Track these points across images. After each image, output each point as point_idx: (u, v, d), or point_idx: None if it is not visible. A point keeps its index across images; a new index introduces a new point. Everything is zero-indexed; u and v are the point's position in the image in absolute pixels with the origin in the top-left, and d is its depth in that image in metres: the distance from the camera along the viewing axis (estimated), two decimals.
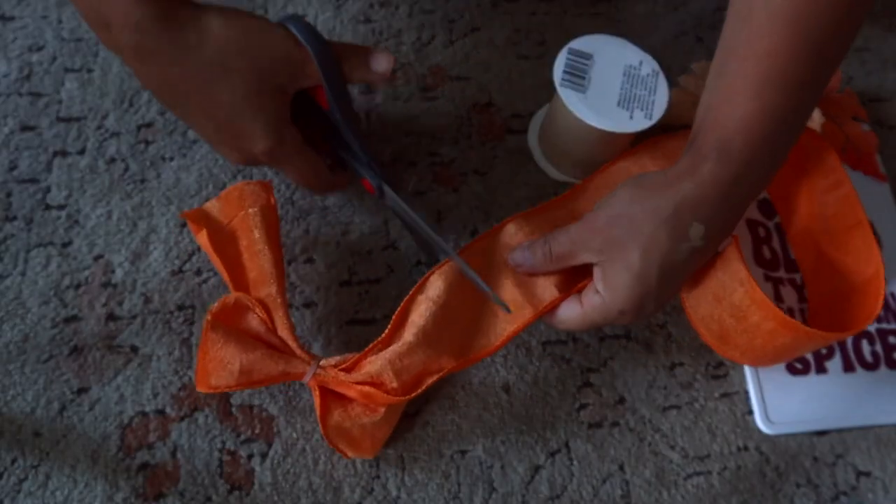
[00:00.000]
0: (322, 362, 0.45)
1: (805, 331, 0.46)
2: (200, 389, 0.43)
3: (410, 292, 0.46)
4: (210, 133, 0.46)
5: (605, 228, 0.45)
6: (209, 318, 0.44)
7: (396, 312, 0.45)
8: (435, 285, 0.46)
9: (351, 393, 0.44)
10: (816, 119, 0.59)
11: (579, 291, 0.47)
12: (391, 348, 0.44)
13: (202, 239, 0.47)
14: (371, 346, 0.45)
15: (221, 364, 0.43)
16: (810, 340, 0.47)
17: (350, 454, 0.46)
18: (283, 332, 0.45)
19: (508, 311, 0.47)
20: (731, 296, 0.47)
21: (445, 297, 0.45)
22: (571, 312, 0.47)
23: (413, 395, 0.44)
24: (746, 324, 0.47)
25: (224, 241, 0.47)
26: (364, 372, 0.44)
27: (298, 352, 0.44)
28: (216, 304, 0.45)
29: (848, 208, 0.53)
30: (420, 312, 0.45)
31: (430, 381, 0.45)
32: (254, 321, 0.45)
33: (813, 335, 0.46)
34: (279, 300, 0.45)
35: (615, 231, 0.44)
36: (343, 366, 0.45)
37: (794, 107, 0.43)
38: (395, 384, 0.44)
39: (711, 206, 0.43)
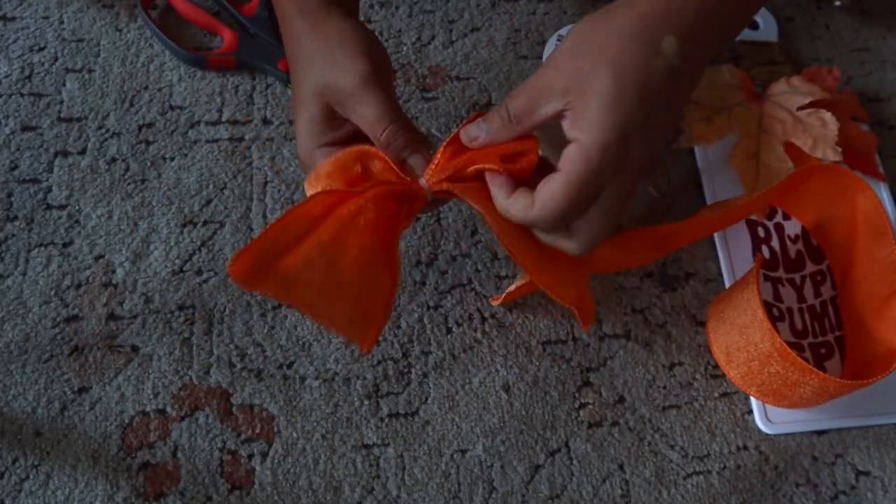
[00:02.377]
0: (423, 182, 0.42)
1: (824, 378, 0.47)
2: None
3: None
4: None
5: (566, 63, 0.40)
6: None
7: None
8: None
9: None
10: (831, 125, 0.59)
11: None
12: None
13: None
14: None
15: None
16: (828, 387, 0.48)
17: None
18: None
19: None
20: (753, 339, 0.49)
21: None
22: (552, 185, 0.40)
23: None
24: (770, 368, 0.49)
25: None
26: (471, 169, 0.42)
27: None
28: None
29: (890, 274, 0.53)
30: None
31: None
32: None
33: (830, 381, 0.47)
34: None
35: (578, 62, 0.39)
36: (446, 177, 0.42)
37: None
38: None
39: (683, 14, 0.39)
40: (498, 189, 0.41)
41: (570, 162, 0.39)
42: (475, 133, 0.42)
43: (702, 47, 0.40)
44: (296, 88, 0.44)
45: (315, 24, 0.44)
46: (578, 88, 0.39)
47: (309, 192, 0.42)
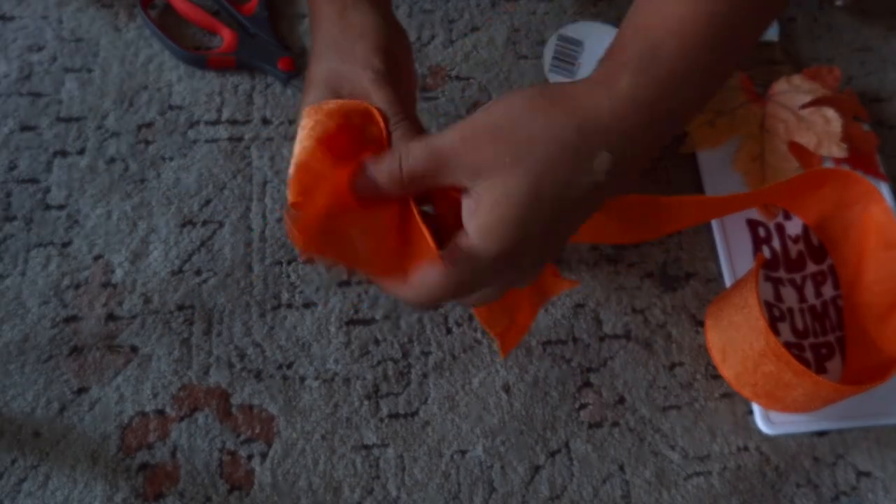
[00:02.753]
0: None
1: (818, 380, 0.47)
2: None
3: None
4: None
5: (484, 142, 0.35)
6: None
7: None
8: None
9: None
10: (834, 121, 0.58)
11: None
12: None
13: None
14: None
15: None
16: (821, 391, 0.48)
17: None
18: None
19: None
20: (748, 338, 0.49)
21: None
22: (429, 275, 0.36)
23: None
24: (763, 370, 0.49)
25: None
26: None
27: None
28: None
29: (894, 284, 0.53)
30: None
31: None
32: None
33: (824, 384, 0.47)
34: None
35: (499, 147, 0.34)
36: None
37: (735, 16, 0.37)
38: None
39: (625, 132, 0.35)
40: None
41: (454, 260, 0.35)
42: (360, 184, 0.37)
43: (631, 167, 0.37)
44: (310, 69, 0.44)
45: (341, 12, 0.43)
46: (490, 178, 0.34)
47: (305, 119, 0.41)
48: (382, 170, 0.37)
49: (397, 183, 0.36)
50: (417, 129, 0.42)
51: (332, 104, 0.42)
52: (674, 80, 0.36)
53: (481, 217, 0.35)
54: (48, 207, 0.53)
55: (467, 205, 0.36)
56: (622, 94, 0.35)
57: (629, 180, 0.38)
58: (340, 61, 0.42)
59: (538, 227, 0.35)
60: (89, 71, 0.58)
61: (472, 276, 0.36)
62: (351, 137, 0.41)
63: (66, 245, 0.52)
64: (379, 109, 0.41)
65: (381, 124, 0.41)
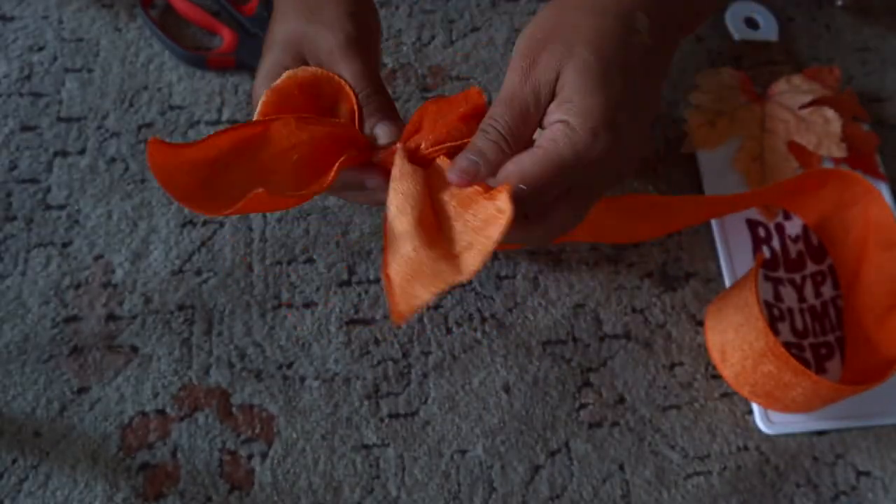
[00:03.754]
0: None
1: (817, 380, 0.47)
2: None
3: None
4: None
5: (541, 44, 0.37)
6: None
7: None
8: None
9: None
10: (834, 121, 0.59)
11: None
12: None
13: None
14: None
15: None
16: (820, 391, 0.48)
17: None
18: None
19: None
20: (748, 337, 0.49)
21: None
22: (525, 159, 0.36)
23: None
24: (763, 368, 0.49)
25: None
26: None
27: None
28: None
29: (894, 285, 0.53)
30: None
31: None
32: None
33: (823, 384, 0.47)
34: None
35: (556, 44, 0.37)
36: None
37: None
38: None
39: None
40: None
41: (554, 141, 0.36)
42: (470, 168, 0.37)
43: (672, 25, 0.39)
44: (270, 31, 0.43)
45: None
46: (561, 73, 0.37)
47: (266, 100, 0.40)
48: (484, 147, 0.37)
49: (503, 143, 0.37)
50: (389, 104, 0.41)
51: (293, 80, 0.40)
52: None
53: (565, 98, 0.36)
54: (48, 207, 0.53)
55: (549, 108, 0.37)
56: None
57: (670, 49, 0.40)
58: (308, 22, 0.41)
59: (617, 87, 0.36)
60: (90, 71, 0.58)
61: (573, 155, 0.36)
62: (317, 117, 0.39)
63: (66, 245, 0.52)
64: (347, 80, 0.40)
65: (354, 101, 0.40)
